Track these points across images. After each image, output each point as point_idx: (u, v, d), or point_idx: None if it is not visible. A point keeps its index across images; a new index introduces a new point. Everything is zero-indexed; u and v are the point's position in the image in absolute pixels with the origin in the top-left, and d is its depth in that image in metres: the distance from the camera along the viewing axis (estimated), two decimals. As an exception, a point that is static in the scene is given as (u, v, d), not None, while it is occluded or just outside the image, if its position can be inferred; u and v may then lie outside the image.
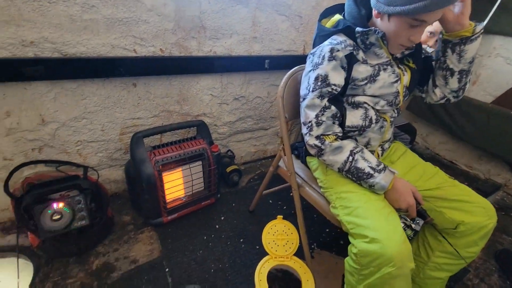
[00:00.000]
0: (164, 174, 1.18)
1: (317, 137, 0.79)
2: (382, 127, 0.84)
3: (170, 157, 1.18)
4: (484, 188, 1.74)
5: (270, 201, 1.52)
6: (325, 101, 0.78)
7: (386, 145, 0.93)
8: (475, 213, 0.79)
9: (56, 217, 1.00)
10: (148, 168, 1.13)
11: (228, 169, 1.52)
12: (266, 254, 1.00)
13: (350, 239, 0.74)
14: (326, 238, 1.33)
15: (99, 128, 1.19)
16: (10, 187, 0.99)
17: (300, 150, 1.15)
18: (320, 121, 0.78)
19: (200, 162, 1.31)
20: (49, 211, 1.00)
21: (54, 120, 1.08)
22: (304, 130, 0.82)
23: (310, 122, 0.79)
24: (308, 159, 1.00)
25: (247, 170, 1.77)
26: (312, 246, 1.26)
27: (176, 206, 1.28)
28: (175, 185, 1.24)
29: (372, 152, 0.88)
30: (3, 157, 1.06)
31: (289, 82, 0.98)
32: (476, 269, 1.24)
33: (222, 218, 1.37)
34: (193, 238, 1.25)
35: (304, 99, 0.82)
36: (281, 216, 1.08)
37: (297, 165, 1.10)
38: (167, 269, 1.09)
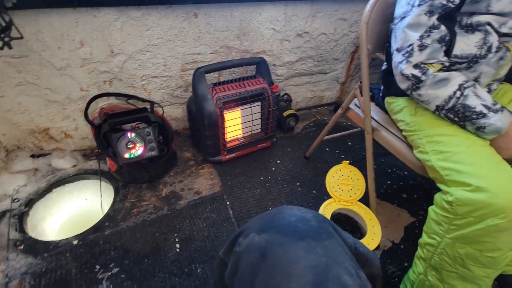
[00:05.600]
0: (225, 112, 1.16)
1: (416, 66, 0.66)
2: (501, 58, 0.67)
3: (231, 95, 1.15)
4: None
5: (327, 149, 1.45)
6: (434, 19, 0.63)
7: (495, 86, 0.76)
8: None
9: (130, 145, 1.07)
10: (210, 105, 1.11)
11: (285, 114, 1.46)
12: (323, 199, 0.98)
13: (442, 187, 0.65)
14: (387, 190, 1.26)
15: (162, 63, 1.18)
16: (89, 116, 1.07)
17: (375, 92, 1.02)
18: (425, 44, 0.65)
19: (259, 103, 1.26)
20: (124, 140, 1.07)
21: (122, 51, 1.08)
22: (399, 57, 0.70)
23: (410, 45, 0.66)
24: (389, 100, 0.88)
25: (302, 116, 1.69)
26: (373, 196, 1.21)
27: (234, 146, 1.29)
28: (234, 124, 1.23)
29: None
30: (80, 88, 1.12)
31: (376, 5, 0.82)
32: None
33: (278, 161, 1.36)
34: (250, 177, 1.27)
35: (403, 17, 0.68)
36: (347, 161, 1.02)
37: (372, 108, 0.99)
38: (228, 203, 1.15)
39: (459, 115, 0.65)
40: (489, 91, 0.76)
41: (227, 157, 1.30)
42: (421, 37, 0.65)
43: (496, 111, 0.61)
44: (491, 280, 0.62)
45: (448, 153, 0.65)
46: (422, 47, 0.66)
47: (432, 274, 0.69)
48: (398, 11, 0.72)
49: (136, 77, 1.17)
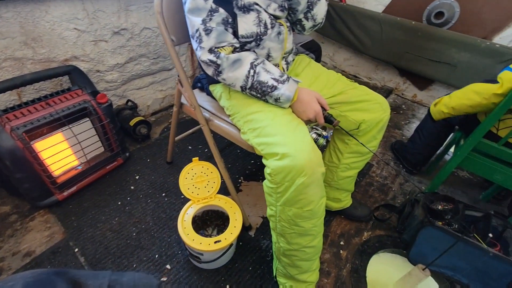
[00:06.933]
0: (35, 142, 0.90)
1: (211, 51, 0.66)
2: (279, 33, 0.75)
3: (37, 120, 0.90)
4: (380, 94, 1.96)
5: (190, 147, 1.39)
6: (210, 2, 0.63)
7: (290, 58, 0.86)
8: (373, 110, 0.83)
9: None
10: (4, 139, 0.84)
11: (132, 122, 1.29)
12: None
13: (264, 161, 0.69)
14: (252, 169, 1.32)
15: None
16: None
17: (203, 82, 1.01)
18: (209, 28, 0.65)
19: (87, 119, 1.05)
20: None
21: None
22: (194, 44, 0.68)
23: (197, 31, 0.65)
24: (211, 87, 0.87)
25: (159, 120, 1.56)
26: (239, 180, 1.24)
27: (71, 178, 1.04)
28: (59, 151, 0.98)
29: (276, 66, 0.81)
30: None
31: (167, -8, 0.77)
32: (377, 162, 1.44)
33: (137, 177, 1.21)
34: (104, 207, 1.07)
35: (185, 3, 0.65)
36: (197, 158, 0.98)
37: (203, 99, 0.97)
38: (76, 249, 0.93)
39: (259, 92, 0.69)
40: (288, 63, 0.86)
41: (65, 193, 1.04)
42: (204, 21, 0.65)
43: (283, 82, 0.68)
44: (319, 227, 0.71)
45: (259, 129, 0.69)
46: (207, 31, 0.65)
47: (282, 240, 0.74)
48: None
49: None
